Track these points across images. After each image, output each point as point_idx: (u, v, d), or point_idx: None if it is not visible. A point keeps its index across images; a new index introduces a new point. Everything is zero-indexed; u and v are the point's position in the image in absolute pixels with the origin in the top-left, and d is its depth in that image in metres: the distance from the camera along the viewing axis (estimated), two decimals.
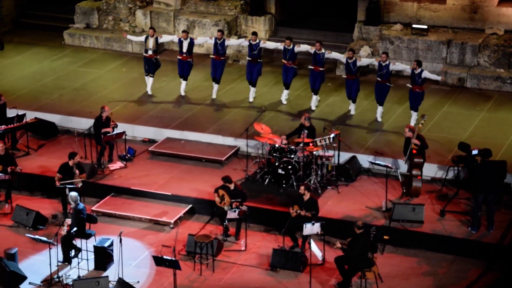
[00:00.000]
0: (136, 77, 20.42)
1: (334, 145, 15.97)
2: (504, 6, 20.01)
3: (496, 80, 19.32)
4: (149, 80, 19.40)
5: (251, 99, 19.00)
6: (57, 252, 13.65)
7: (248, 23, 21.94)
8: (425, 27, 20.18)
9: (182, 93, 19.36)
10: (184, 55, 19.03)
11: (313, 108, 18.43)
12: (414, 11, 20.69)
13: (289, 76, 18.52)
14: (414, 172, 15.26)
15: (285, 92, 18.80)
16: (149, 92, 19.44)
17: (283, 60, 18.53)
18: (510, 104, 18.62)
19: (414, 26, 20.31)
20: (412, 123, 16.95)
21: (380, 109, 17.90)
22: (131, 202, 15.68)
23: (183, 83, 19.33)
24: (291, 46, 18.30)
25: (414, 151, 15.25)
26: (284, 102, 18.80)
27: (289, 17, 22.46)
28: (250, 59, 18.78)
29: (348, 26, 21.16)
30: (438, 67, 19.83)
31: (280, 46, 18.62)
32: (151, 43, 19.06)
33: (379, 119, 17.90)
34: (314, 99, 18.48)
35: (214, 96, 19.22)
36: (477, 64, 19.73)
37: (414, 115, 17.36)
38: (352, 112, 18.21)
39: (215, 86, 19.18)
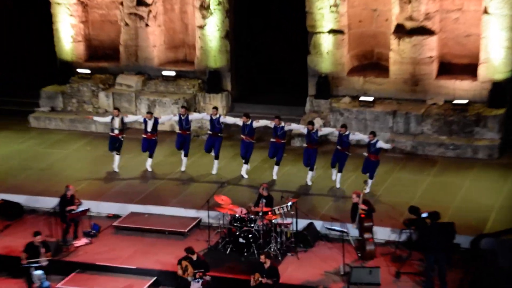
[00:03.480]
0: (100, 155, 20.05)
1: (292, 212, 15.72)
2: (442, 79, 20.26)
3: (440, 146, 19.46)
4: (116, 158, 19.09)
5: (214, 171, 18.71)
6: None
7: (206, 100, 21.88)
8: (371, 99, 20.34)
9: (149, 169, 19.00)
10: (149, 133, 18.81)
11: (275, 177, 18.14)
12: (360, 85, 20.86)
13: (249, 151, 18.30)
14: (366, 235, 15.13)
15: (245, 166, 18.51)
16: (116, 169, 19.05)
17: (241, 135, 18.39)
18: (454, 168, 18.69)
19: (361, 98, 20.46)
20: (367, 190, 16.73)
21: (338, 176, 17.72)
22: (96, 278, 15.13)
23: (149, 160, 19.00)
24: (249, 122, 18.20)
25: (362, 215, 15.15)
26: (245, 176, 18.47)
27: (245, 93, 22.48)
28: (211, 132, 18.62)
29: (300, 100, 21.23)
30: (386, 136, 19.92)
31: (239, 121, 18.53)
32: (116, 122, 18.87)
33: (338, 186, 17.72)
34: (276, 169, 18.24)
35: (183, 169, 18.87)
36: (421, 132, 19.88)
37: (370, 182, 17.20)
38: (309, 182, 17.96)
39: (184, 159, 18.86)
